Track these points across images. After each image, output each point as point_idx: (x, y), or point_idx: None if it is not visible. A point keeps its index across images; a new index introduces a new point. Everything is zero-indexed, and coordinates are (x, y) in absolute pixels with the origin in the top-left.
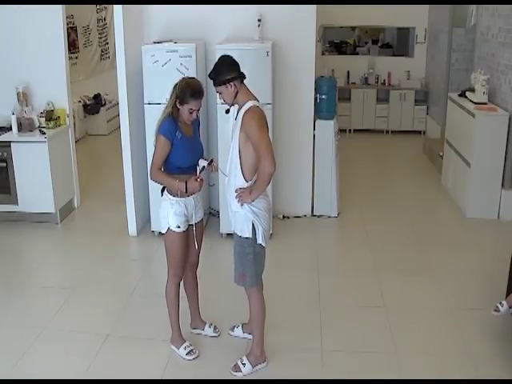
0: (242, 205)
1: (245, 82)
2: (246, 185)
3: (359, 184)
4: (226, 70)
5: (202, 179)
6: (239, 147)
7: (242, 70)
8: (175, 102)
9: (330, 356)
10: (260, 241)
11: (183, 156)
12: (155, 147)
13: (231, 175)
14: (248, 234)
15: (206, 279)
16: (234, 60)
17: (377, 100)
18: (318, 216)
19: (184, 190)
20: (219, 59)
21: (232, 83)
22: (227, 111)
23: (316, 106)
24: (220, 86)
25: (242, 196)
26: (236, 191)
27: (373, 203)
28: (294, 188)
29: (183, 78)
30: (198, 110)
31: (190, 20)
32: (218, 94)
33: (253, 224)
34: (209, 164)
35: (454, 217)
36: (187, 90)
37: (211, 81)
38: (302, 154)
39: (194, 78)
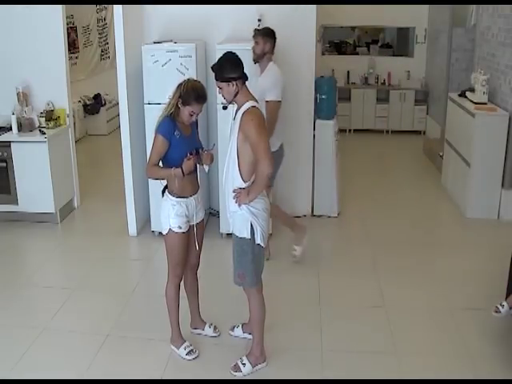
0: (239, 205)
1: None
2: (244, 185)
3: (359, 184)
4: (230, 69)
5: (194, 157)
6: (237, 147)
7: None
8: (177, 101)
9: (330, 356)
10: (259, 241)
11: (183, 155)
12: (152, 145)
13: (229, 175)
14: (247, 234)
15: (206, 279)
16: (240, 59)
17: (377, 100)
18: (318, 216)
19: (181, 174)
20: (225, 55)
21: (234, 82)
22: (225, 107)
23: (316, 106)
24: (221, 82)
25: (240, 196)
26: (234, 191)
27: (373, 203)
28: (293, 188)
29: (188, 80)
30: (198, 114)
31: (190, 20)
32: (217, 89)
33: (251, 224)
34: (197, 153)
35: (454, 217)
36: (192, 93)
37: (212, 81)
38: (302, 154)
39: (199, 81)
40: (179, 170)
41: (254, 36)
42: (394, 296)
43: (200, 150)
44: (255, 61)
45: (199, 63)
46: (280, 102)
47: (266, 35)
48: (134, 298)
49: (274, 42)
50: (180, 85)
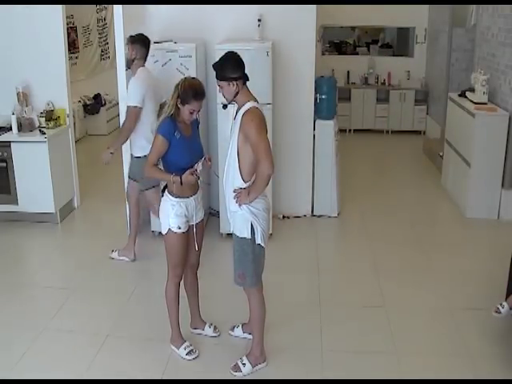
0: (240, 205)
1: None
2: (244, 185)
3: (359, 184)
4: (231, 69)
5: (197, 173)
6: (238, 148)
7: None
8: (176, 101)
9: (330, 356)
10: (259, 241)
11: (183, 156)
12: (152, 144)
13: (229, 175)
14: (247, 234)
15: (206, 279)
16: (241, 59)
17: (377, 100)
18: (318, 216)
19: (179, 183)
20: (226, 54)
21: (235, 82)
22: (225, 106)
23: (316, 106)
24: (222, 81)
25: (240, 197)
26: (234, 191)
27: (373, 203)
28: (293, 188)
29: (185, 78)
30: (199, 111)
31: (190, 20)
32: (218, 88)
33: (251, 224)
34: (204, 159)
35: (454, 217)
36: (190, 91)
37: (212, 80)
38: (302, 154)
39: (195, 78)
40: (178, 179)
41: (126, 43)
42: (394, 296)
43: (204, 158)
44: (127, 66)
45: (199, 63)
46: (140, 108)
47: (134, 42)
48: (134, 297)
49: (146, 49)
50: (178, 85)
